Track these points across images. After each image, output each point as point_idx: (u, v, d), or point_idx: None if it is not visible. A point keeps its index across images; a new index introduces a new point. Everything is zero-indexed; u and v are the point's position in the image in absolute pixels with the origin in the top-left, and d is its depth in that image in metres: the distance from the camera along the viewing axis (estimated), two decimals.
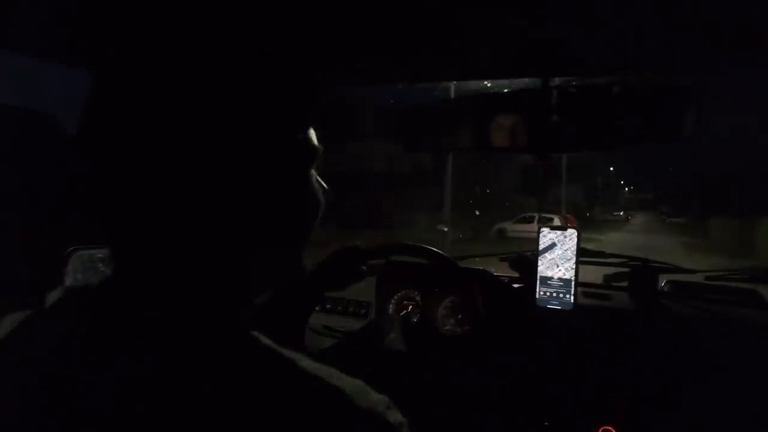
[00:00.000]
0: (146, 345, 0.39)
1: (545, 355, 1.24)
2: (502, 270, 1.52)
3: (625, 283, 1.43)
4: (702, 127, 0.99)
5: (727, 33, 0.85)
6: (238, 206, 0.43)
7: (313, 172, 0.50)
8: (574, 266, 1.28)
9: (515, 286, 1.43)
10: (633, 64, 1.03)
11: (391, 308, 1.46)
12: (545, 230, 1.31)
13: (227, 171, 0.42)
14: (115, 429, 0.36)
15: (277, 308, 1.04)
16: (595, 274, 1.49)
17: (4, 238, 3.16)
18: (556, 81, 1.06)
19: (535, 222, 18.17)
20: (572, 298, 1.27)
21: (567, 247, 1.29)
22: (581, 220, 31.74)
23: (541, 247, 1.31)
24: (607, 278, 1.48)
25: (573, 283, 1.27)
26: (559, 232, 1.30)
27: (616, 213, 57.34)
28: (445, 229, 11.41)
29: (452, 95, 1.26)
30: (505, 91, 1.10)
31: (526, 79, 1.10)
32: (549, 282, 1.30)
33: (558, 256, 1.30)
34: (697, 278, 1.41)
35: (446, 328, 1.37)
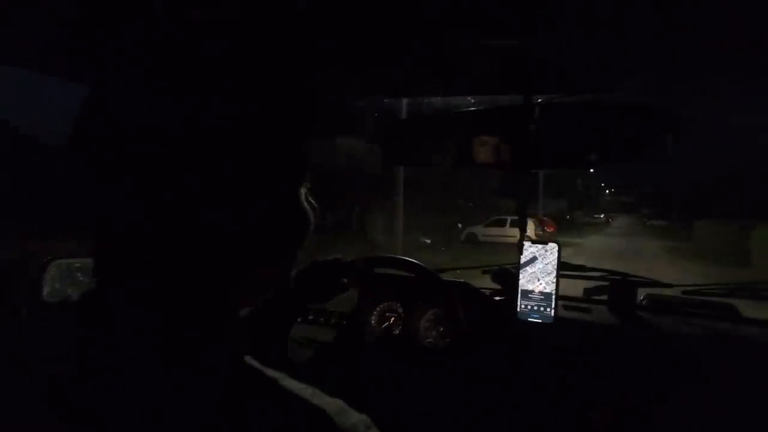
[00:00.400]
0: (129, 362, 0.39)
1: (526, 368, 1.24)
2: (484, 283, 1.53)
3: (604, 297, 1.45)
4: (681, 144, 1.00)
5: (707, 55, 0.86)
6: (230, 224, 0.43)
7: (303, 190, 0.50)
8: (554, 280, 1.29)
9: (497, 299, 1.44)
10: (614, 84, 1.05)
11: (373, 320, 1.46)
12: (527, 244, 1.32)
13: (223, 187, 0.42)
14: None
15: (260, 320, 1.04)
16: (575, 287, 1.50)
17: None
18: (539, 98, 1.07)
19: (507, 225, 17.63)
20: (553, 311, 1.28)
21: (548, 261, 1.30)
22: (561, 223, 31.85)
23: (523, 260, 1.32)
24: (587, 292, 1.50)
25: (554, 296, 1.28)
26: (540, 246, 1.31)
27: (596, 216, 58.12)
28: (428, 242, 11.09)
29: (434, 111, 1.26)
30: (488, 107, 1.11)
31: (509, 96, 1.11)
32: (530, 295, 1.31)
33: (539, 269, 1.31)
34: (675, 292, 1.43)
35: (428, 340, 1.37)
